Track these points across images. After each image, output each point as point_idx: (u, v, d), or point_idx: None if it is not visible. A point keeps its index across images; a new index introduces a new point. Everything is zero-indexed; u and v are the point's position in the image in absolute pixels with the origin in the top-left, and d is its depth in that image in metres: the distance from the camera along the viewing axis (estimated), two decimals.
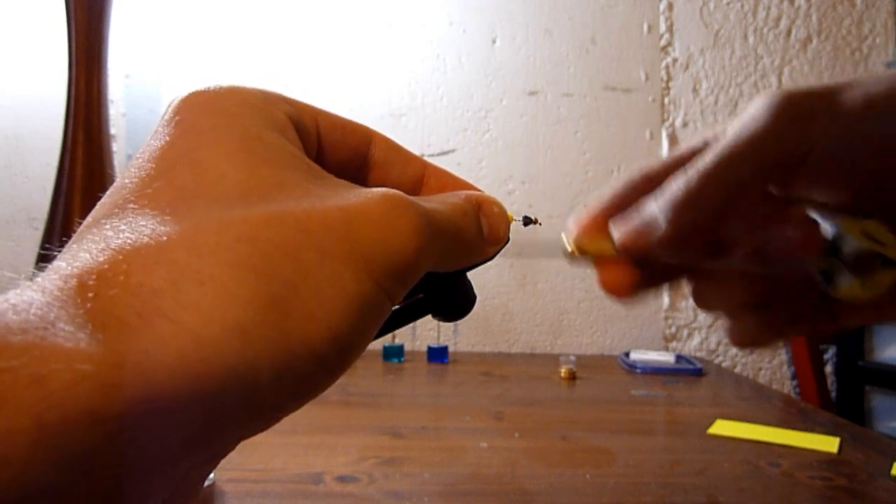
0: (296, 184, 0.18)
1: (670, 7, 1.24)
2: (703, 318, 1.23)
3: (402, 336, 1.10)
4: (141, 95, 1.13)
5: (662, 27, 1.23)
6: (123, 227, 0.16)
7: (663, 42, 1.24)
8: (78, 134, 0.54)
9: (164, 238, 0.15)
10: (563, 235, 0.28)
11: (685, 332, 1.24)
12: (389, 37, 1.18)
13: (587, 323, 1.20)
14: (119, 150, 1.10)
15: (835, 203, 0.27)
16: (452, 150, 1.19)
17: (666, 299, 1.23)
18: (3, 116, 1.10)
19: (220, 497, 0.46)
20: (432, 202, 0.21)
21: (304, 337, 0.16)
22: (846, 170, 0.25)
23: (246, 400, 0.15)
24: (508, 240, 0.25)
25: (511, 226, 0.25)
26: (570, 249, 0.27)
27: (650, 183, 0.28)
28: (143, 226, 0.16)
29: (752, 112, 0.26)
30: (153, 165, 0.18)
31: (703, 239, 0.28)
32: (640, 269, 0.28)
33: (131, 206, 0.17)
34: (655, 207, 0.26)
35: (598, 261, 0.28)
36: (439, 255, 0.20)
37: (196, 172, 0.17)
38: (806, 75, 1.25)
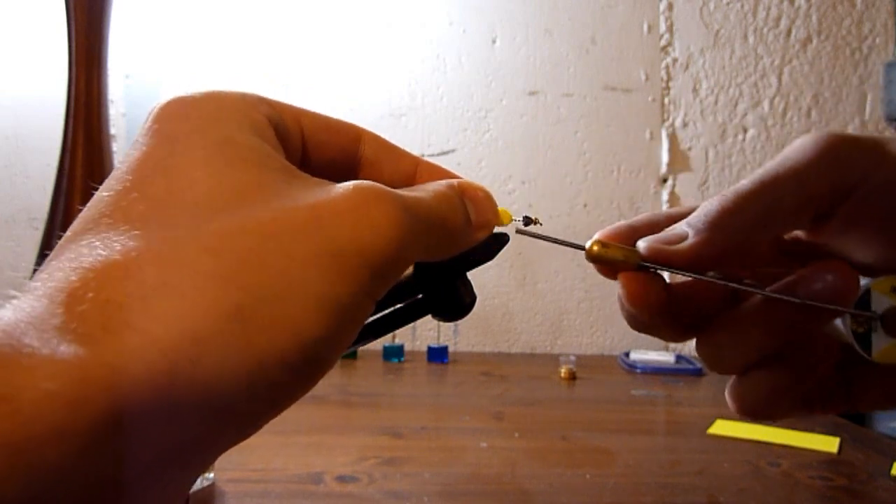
0: (267, 185, 0.18)
1: (670, 7, 1.23)
2: None
3: (402, 336, 1.10)
4: (141, 95, 1.13)
5: (662, 27, 1.23)
6: (97, 243, 0.16)
7: (663, 42, 1.24)
8: (78, 134, 0.54)
9: (134, 253, 0.16)
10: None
11: None
12: (389, 37, 1.18)
13: (587, 323, 1.20)
14: (119, 150, 1.09)
15: (867, 259, 0.26)
16: (452, 150, 1.19)
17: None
18: (3, 116, 1.10)
19: (220, 497, 0.46)
20: (413, 191, 0.20)
21: (271, 346, 0.15)
22: (885, 216, 0.25)
23: (219, 410, 0.15)
24: (508, 238, 0.25)
25: (511, 226, 0.25)
26: (590, 246, 0.26)
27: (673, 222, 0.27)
28: (114, 241, 0.16)
29: (797, 145, 0.25)
30: (129, 177, 0.18)
31: (730, 263, 0.27)
32: (662, 289, 0.26)
33: (105, 220, 0.17)
34: (686, 222, 0.26)
35: (619, 271, 0.26)
36: (424, 244, 0.20)
37: (168, 181, 0.17)
38: (806, 75, 1.25)
